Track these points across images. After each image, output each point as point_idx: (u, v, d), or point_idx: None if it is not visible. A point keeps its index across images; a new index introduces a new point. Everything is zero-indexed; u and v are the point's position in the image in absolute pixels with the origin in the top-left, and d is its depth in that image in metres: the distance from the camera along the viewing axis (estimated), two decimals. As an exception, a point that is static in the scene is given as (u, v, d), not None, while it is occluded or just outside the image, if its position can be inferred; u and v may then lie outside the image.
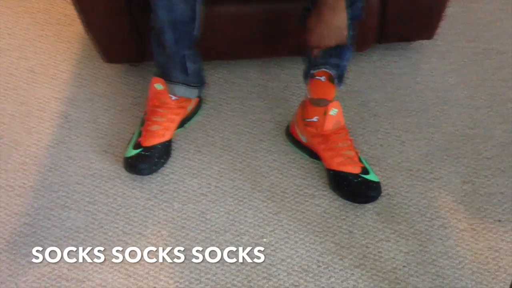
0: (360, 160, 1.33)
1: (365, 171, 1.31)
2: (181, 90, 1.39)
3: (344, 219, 1.29)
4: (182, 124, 1.46)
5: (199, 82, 1.42)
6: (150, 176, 1.38)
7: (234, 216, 1.31)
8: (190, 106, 1.47)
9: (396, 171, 1.36)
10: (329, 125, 1.33)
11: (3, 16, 1.80)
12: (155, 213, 1.32)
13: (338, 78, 1.30)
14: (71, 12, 1.74)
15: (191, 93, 1.42)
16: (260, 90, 1.56)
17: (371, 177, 1.31)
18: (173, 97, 1.39)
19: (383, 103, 1.51)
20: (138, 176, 1.38)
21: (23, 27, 1.76)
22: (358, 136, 1.44)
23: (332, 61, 1.28)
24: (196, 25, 1.26)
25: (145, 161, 1.36)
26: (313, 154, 1.39)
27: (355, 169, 1.31)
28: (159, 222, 1.30)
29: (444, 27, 1.65)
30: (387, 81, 1.56)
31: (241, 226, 1.29)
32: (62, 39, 1.72)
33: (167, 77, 1.37)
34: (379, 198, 1.31)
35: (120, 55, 1.55)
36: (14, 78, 1.62)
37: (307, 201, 1.33)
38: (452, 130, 1.44)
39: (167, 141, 1.40)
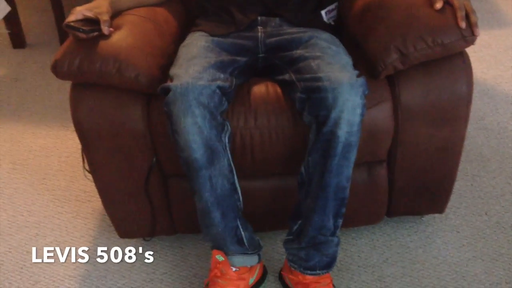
0: None
1: None
2: (240, 260, 1.38)
3: None
4: None
5: (256, 248, 1.42)
6: None
7: None
8: (253, 279, 1.44)
9: None
10: (309, 276, 1.36)
11: (24, 194, 1.86)
12: None
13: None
14: (90, 188, 1.81)
15: (252, 260, 1.41)
16: (274, 264, 1.54)
17: None
18: (234, 268, 1.38)
19: (400, 278, 1.48)
20: None
21: (42, 204, 1.81)
22: (377, 315, 1.39)
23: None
24: (238, 196, 1.32)
25: None
26: None
27: None
28: None
29: (454, 201, 1.68)
30: (402, 254, 1.55)
31: None
32: (80, 215, 1.75)
33: (223, 250, 1.37)
34: None
35: (134, 230, 1.58)
36: (30, 256, 1.62)
37: None
38: (474, 309, 1.39)
39: None
